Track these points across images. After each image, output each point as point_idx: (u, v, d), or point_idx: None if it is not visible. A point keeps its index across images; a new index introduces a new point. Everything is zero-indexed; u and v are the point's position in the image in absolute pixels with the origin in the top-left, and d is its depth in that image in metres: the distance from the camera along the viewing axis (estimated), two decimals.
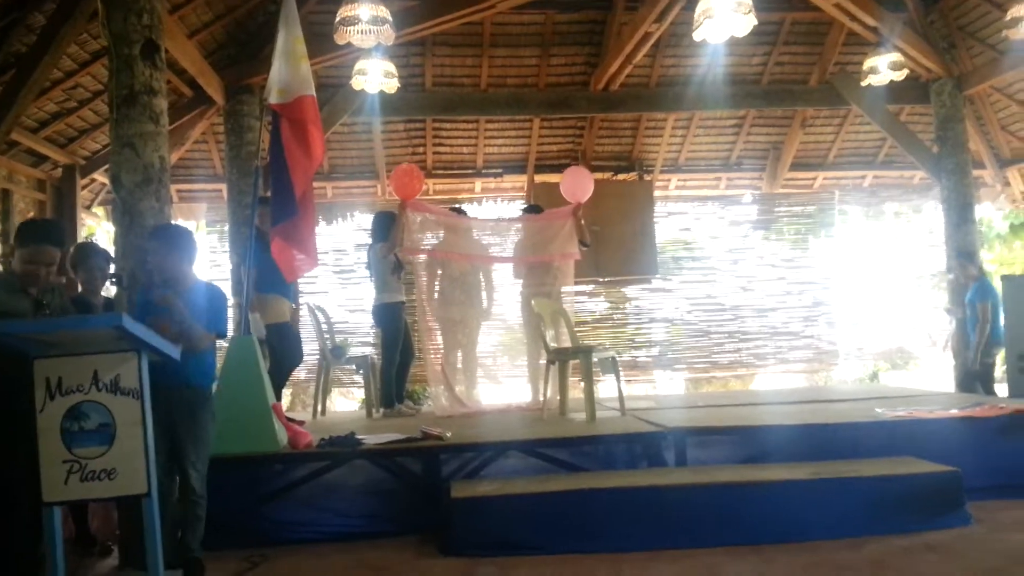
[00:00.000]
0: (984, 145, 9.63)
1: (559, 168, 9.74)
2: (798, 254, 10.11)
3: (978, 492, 4.48)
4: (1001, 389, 7.13)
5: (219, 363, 4.36)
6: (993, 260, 11.78)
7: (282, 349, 5.55)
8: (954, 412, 5.20)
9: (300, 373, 9.06)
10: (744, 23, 5.54)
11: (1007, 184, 10.02)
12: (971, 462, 4.55)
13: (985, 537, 3.95)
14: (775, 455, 4.77)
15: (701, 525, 4.02)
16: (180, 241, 3.80)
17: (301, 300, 7.21)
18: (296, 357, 5.97)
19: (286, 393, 9.07)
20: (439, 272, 6.76)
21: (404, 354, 6.58)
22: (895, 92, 8.19)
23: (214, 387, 3.87)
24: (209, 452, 3.73)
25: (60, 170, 7.88)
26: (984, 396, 6.58)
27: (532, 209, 7.25)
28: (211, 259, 9.17)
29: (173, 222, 4.34)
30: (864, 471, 4.32)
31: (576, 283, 9.04)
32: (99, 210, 9.22)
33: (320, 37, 6.98)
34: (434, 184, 9.77)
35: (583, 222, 6.92)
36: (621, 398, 5.90)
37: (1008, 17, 6.24)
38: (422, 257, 6.77)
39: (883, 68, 7.40)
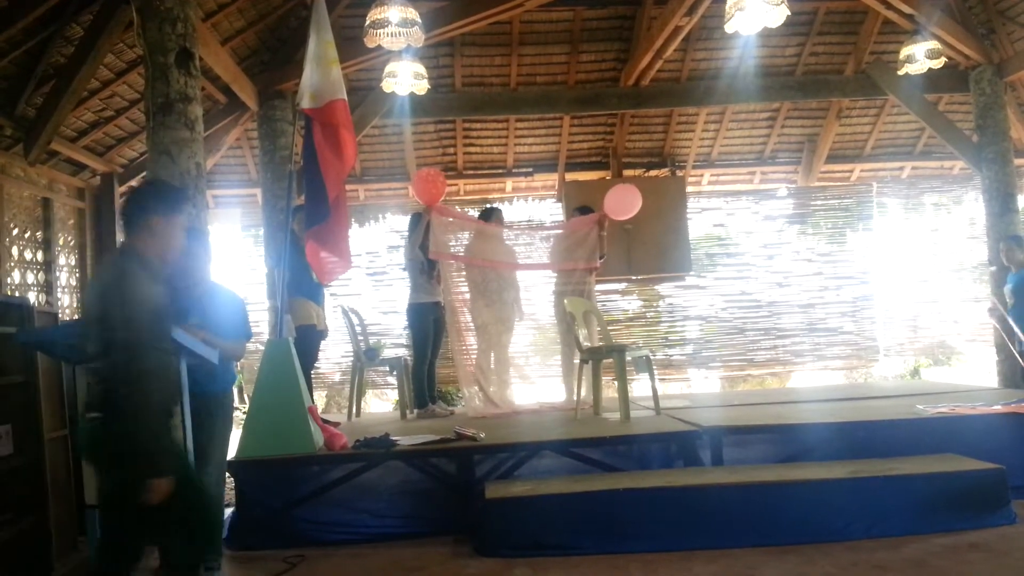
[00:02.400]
0: None
1: (590, 166, 9.73)
2: (835, 248, 9.94)
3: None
4: None
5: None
6: None
7: (300, 351, 5.60)
8: (998, 408, 5.09)
9: (335, 375, 9.17)
10: (777, 14, 5.46)
11: None
12: (1016, 459, 4.47)
13: None
14: (813, 454, 4.72)
15: (738, 525, 3.99)
16: (203, 244, 3.86)
17: (335, 303, 7.27)
18: (309, 358, 5.95)
19: (320, 395, 9.19)
20: (469, 273, 6.77)
21: (433, 355, 6.61)
22: (933, 80, 8.02)
23: (234, 390, 3.90)
24: (225, 457, 3.77)
25: (99, 178, 8.03)
26: None
27: (584, 210, 7.21)
28: (247, 263, 9.27)
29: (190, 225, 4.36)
30: (905, 469, 4.25)
31: (608, 281, 9.01)
32: None
33: (350, 41, 7.04)
34: (464, 184, 9.80)
35: (604, 233, 6.91)
36: (655, 397, 5.86)
37: None
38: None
39: (920, 56, 7.24)
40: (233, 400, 3.89)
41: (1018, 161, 8.69)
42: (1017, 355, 6.86)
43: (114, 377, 2.58)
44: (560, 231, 7.06)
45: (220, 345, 3.60)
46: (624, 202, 6.80)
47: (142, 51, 4.59)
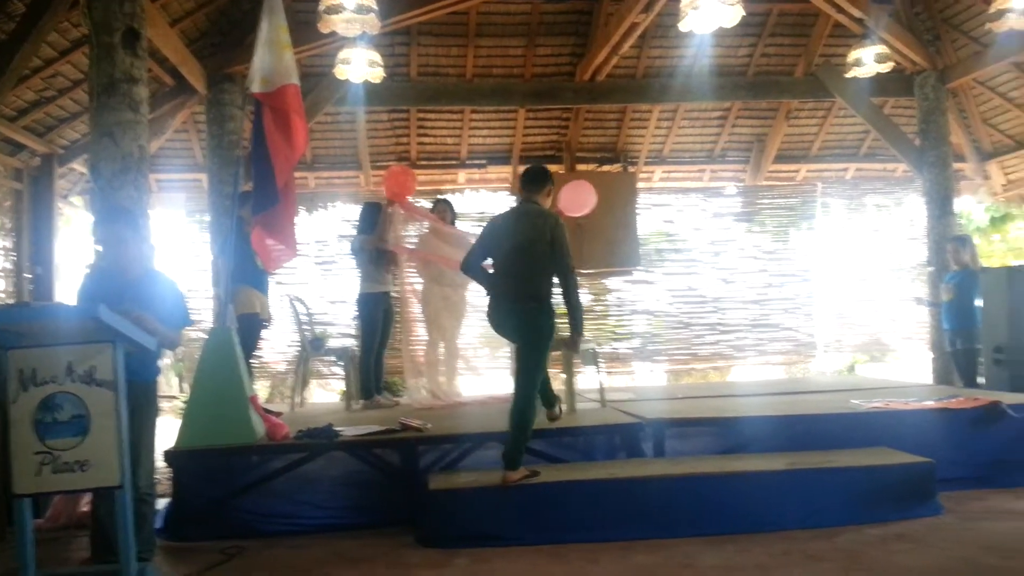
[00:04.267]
0: (966, 138, 9.68)
1: (544, 160, 9.73)
2: (780, 246, 10.14)
3: (952, 483, 4.56)
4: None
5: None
6: None
7: (241, 340, 5.52)
8: (930, 404, 5.26)
9: (280, 365, 9.05)
10: (731, 14, 5.54)
11: (988, 177, 10.07)
12: (945, 453, 4.63)
13: (955, 526, 4.01)
14: (753, 446, 4.81)
15: (678, 515, 4.06)
16: (137, 226, 3.78)
17: (281, 291, 7.17)
18: (249, 347, 5.86)
19: (264, 385, 9.06)
20: (424, 265, 6.74)
21: (381, 345, 6.57)
22: (879, 84, 8.23)
23: (159, 380, 3.83)
24: (154, 446, 3.71)
25: (38, 159, 7.79)
26: (961, 388, 6.65)
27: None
28: (191, 250, 9.09)
29: (124, 206, 4.26)
30: (839, 462, 4.37)
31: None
32: (77, 200, 9.13)
33: (304, 25, 6.94)
34: (418, 175, 9.73)
35: None
36: (601, 390, 5.92)
37: (992, 9, 6.25)
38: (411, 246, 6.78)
39: (868, 60, 7.40)
40: (157, 391, 3.81)
41: (957, 166, 8.96)
42: (948, 350, 7.14)
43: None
44: None
45: (160, 331, 3.53)
46: (578, 199, 6.82)
47: (87, 30, 4.47)
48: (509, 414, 4.15)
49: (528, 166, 4.77)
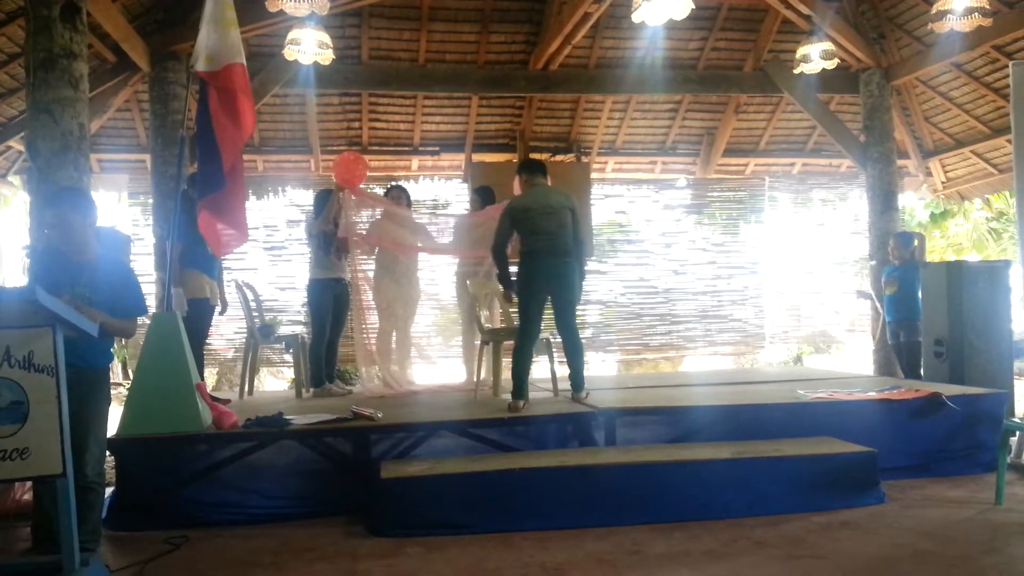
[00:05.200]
0: (909, 135, 9.95)
1: (497, 148, 9.73)
2: (728, 239, 10.30)
3: (893, 471, 4.70)
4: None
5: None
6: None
7: (191, 326, 5.41)
8: (872, 394, 5.39)
9: (228, 352, 8.88)
10: (682, 6, 5.58)
11: (929, 174, 10.38)
12: (887, 442, 4.76)
13: (897, 514, 4.13)
14: (701, 435, 4.88)
15: (629, 503, 4.10)
16: (88, 206, 3.65)
17: (229, 277, 7.01)
18: (200, 334, 5.74)
19: (212, 372, 8.89)
20: (375, 251, 6.66)
21: (334, 332, 6.49)
22: (826, 81, 8.39)
23: (112, 366, 3.72)
24: (105, 434, 3.61)
25: None
26: (902, 378, 6.84)
27: (483, 191, 7.14)
28: (134, 232, 8.83)
29: (72, 186, 4.12)
30: (785, 451, 4.45)
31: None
32: (15, 179, 8.80)
33: (251, 3, 6.74)
34: (370, 160, 9.59)
35: None
36: (554, 379, 5.94)
37: (934, 10, 6.42)
38: (363, 232, 6.69)
39: (815, 57, 7.54)
40: (110, 376, 3.70)
41: (900, 162, 9.21)
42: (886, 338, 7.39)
43: None
44: (474, 219, 6.98)
45: (109, 323, 3.42)
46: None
47: (23, 2, 4.29)
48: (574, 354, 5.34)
49: (529, 157, 6.07)
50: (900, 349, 7.27)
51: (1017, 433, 5.13)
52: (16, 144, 7.90)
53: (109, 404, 3.71)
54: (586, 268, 5.61)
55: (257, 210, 8.97)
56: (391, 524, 3.94)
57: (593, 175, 9.78)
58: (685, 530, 3.90)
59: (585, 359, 5.49)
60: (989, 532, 3.81)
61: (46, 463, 2.90)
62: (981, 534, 3.79)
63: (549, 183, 5.54)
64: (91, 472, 3.47)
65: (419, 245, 6.88)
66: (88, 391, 3.48)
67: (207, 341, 6.37)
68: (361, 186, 6.66)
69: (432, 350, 7.87)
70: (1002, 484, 4.29)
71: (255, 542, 3.92)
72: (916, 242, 7.52)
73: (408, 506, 3.98)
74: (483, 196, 7.03)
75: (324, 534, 4.00)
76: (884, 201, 8.48)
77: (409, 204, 6.92)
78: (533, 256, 5.19)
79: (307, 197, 6.92)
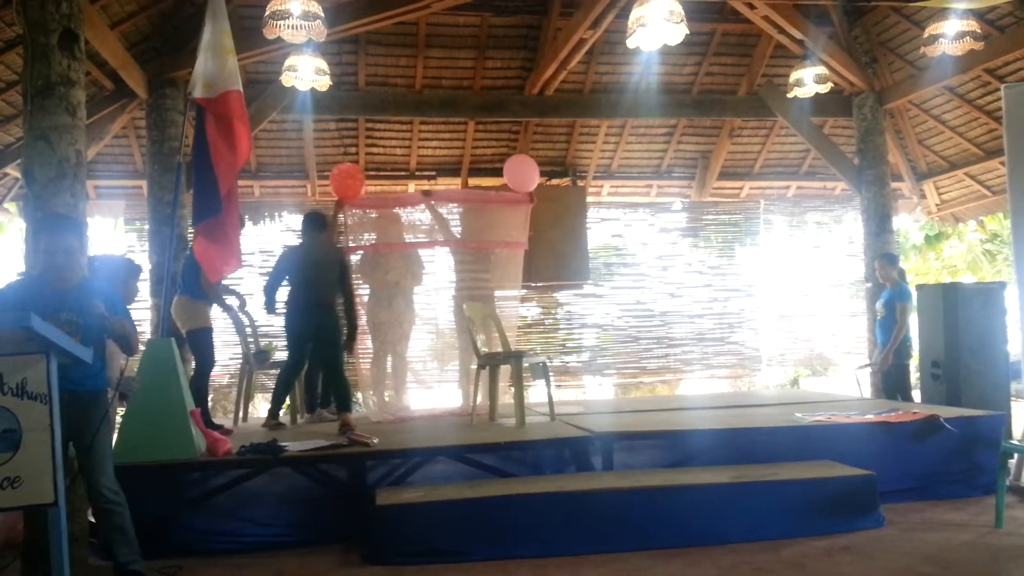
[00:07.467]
0: (902, 158, 10.01)
1: (493, 172, 9.74)
2: (724, 262, 10.30)
3: (892, 495, 4.67)
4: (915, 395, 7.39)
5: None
6: (909, 270, 12.24)
7: (199, 355, 5.40)
8: (870, 417, 5.38)
9: (223, 379, 8.82)
10: (676, 32, 5.62)
11: (923, 196, 10.43)
12: (886, 465, 4.73)
13: (897, 538, 4.10)
14: (699, 459, 4.86)
15: (626, 529, 4.06)
16: (79, 231, 3.68)
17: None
18: (208, 363, 5.73)
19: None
20: (373, 275, 6.66)
21: (330, 358, 6.42)
22: (819, 104, 8.45)
23: (108, 391, 3.68)
24: (111, 453, 3.59)
25: None
26: (900, 401, 6.82)
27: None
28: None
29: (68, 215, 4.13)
30: (783, 475, 4.43)
31: (507, 287, 9.03)
32: (11, 206, 8.80)
33: (249, 31, 6.80)
34: (368, 185, 9.63)
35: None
36: (551, 403, 5.91)
37: (926, 35, 6.50)
38: (356, 258, 6.68)
39: (808, 80, 7.61)
40: (108, 400, 3.67)
41: (894, 184, 9.25)
42: (881, 362, 7.29)
43: None
44: (480, 204, 6.98)
45: (130, 333, 3.45)
46: (520, 173, 6.82)
47: (22, 29, 4.32)
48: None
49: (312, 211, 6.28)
50: (888, 372, 7.22)
51: (1016, 455, 5.11)
52: (13, 171, 7.91)
53: (111, 427, 3.68)
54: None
55: (253, 235, 8.95)
56: (387, 552, 3.90)
57: (589, 199, 9.77)
58: (685, 556, 3.86)
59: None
60: (989, 556, 3.79)
61: (39, 492, 2.88)
62: (982, 558, 3.76)
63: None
64: (108, 491, 3.44)
65: (421, 242, 6.90)
66: (87, 412, 3.46)
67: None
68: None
69: (428, 375, 7.84)
70: (1002, 507, 4.26)
71: (249, 571, 3.88)
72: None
73: (404, 533, 3.94)
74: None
75: (319, 563, 3.96)
76: (879, 223, 8.51)
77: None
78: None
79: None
